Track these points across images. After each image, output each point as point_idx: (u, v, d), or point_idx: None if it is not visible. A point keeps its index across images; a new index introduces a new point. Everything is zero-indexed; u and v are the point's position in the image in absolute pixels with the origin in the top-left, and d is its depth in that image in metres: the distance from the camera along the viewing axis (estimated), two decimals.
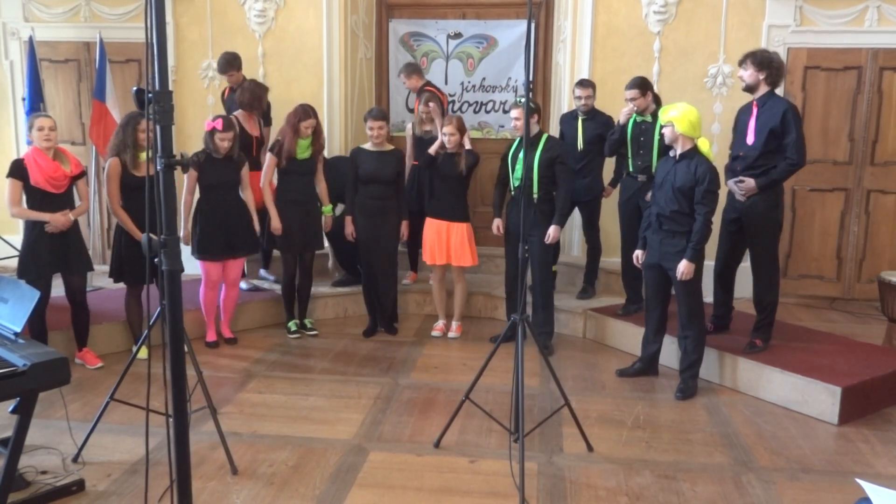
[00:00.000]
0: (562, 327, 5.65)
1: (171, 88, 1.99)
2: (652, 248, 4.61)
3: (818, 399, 4.25)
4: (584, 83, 5.72)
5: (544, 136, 5.10)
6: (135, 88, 2.09)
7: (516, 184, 4.99)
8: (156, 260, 1.95)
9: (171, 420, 2.07)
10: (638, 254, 4.72)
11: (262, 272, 6.38)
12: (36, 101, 6.42)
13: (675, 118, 4.35)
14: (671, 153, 4.52)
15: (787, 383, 4.40)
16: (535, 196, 5.04)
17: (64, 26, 6.93)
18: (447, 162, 5.37)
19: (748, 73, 4.63)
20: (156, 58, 1.97)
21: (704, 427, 4.13)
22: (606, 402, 4.48)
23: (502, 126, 7.09)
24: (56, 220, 4.49)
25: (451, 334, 5.68)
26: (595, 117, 5.69)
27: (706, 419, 4.24)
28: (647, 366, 4.88)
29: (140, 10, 6.81)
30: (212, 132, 5.03)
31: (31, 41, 6.47)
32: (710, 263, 5.24)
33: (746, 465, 3.69)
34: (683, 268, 4.37)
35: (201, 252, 5.18)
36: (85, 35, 6.86)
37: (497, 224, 5.30)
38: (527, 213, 4.92)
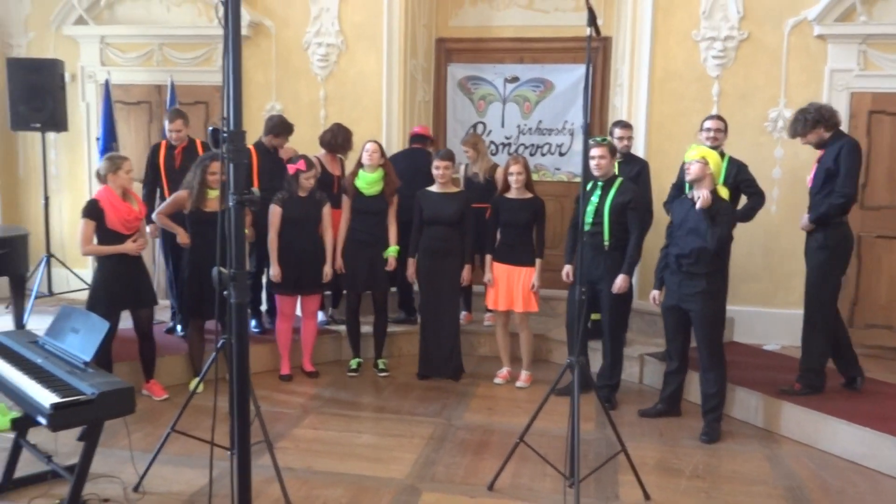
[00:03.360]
0: None
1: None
2: (670, 289, 4.57)
3: (888, 453, 4.07)
4: (624, 124, 5.66)
5: (618, 181, 4.91)
6: (210, 128, 2.18)
7: (587, 228, 4.80)
8: (225, 293, 2.00)
9: (233, 454, 2.10)
10: (654, 294, 4.68)
11: (320, 313, 6.35)
12: (109, 141, 6.71)
13: (709, 156, 4.36)
14: (689, 194, 4.48)
15: (855, 436, 4.24)
16: (607, 243, 4.85)
17: (137, 70, 7.26)
18: (513, 206, 5.31)
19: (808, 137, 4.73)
20: (231, 99, 2.06)
21: (767, 479, 4.00)
22: (664, 449, 4.38)
23: (558, 168, 7.12)
24: (130, 248, 4.62)
25: (519, 384, 5.47)
26: (631, 161, 5.56)
27: (769, 471, 4.11)
28: (669, 406, 4.85)
29: (208, 55, 7.11)
30: (296, 174, 5.25)
31: (106, 84, 6.80)
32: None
33: None
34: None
35: (274, 285, 5.34)
36: (157, 78, 7.17)
37: (567, 271, 5.07)
38: (596, 258, 4.85)
